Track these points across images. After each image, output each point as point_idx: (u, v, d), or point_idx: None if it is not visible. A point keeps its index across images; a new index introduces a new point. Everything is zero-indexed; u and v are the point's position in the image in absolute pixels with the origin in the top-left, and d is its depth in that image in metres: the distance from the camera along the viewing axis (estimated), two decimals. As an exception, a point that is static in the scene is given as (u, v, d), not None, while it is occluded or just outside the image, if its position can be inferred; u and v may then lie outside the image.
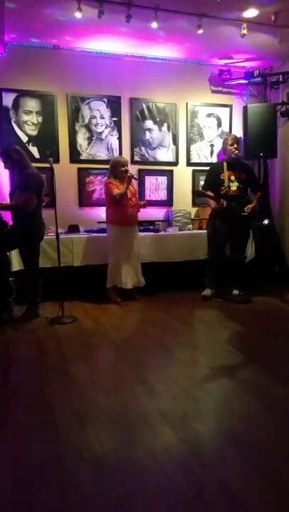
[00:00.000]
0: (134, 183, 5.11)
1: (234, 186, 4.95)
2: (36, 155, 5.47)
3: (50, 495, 1.76)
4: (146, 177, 6.03)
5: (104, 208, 5.16)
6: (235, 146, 4.98)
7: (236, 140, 5.05)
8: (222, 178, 4.98)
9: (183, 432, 2.22)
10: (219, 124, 6.36)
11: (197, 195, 5.25)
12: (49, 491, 1.78)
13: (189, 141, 6.24)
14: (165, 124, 6.07)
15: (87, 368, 3.13)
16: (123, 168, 4.86)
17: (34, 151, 5.49)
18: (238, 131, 6.19)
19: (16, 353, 3.60)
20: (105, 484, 1.82)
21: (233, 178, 4.96)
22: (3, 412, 2.49)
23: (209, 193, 5.03)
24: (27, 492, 1.79)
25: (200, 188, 5.69)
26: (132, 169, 5.65)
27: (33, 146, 5.49)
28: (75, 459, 2.00)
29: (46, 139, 5.53)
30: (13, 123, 5.39)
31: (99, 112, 5.74)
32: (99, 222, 5.47)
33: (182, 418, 2.36)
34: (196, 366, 3.16)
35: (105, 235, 5.07)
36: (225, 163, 5.05)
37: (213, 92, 6.27)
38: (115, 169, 4.90)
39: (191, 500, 1.72)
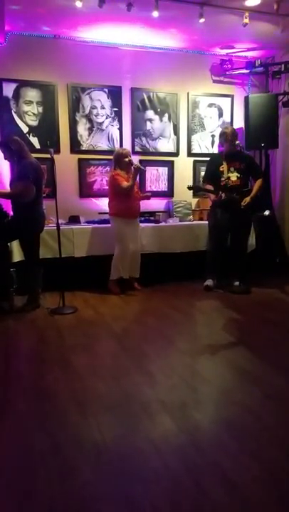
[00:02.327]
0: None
1: (234, 177, 4.93)
2: (37, 145, 5.47)
3: (50, 483, 1.78)
4: (147, 168, 6.01)
5: (103, 199, 5.16)
6: (237, 142, 4.98)
7: (235, 134, 4.98)
8: (221, 169, 4.97)
9: (182, 420, 2.24)
10: (220, 115, 6.34)
11: (194, 190, 5.23)
12: (49, 479, 1.80)
13: (190, 132, 6.22)
14: (166, 114, 6.04)
15: (87, 357, 3.15)
16: (126, 159, 4.87)
17: (35, 141, 5.48)
18: (239, 122, 6.17)
19: (16, 342, 3.63)
20: (105, 472, 1.84)
21: (232, 169, 4.95)
22: (4, 400, 2.52)
23: (208, 187, 5.03)
24: (27, 480, 1.81)
25: (201, 180, 5.69)
26: (133, 160, 5.64)
27: (33, 136, 5.48)
28: (75, 448, 2.02)
29: (47, 129, 5.52)
30: (13, 113, 5.37)
31: (100, 102, 5.71)
32: (100, 213, 5.47)
33: (181, 407, 2.38)
34: (195, 356, 3.18)
35: (106, 225, 5.07)
36: (223, 155, 5.03)
37: (214, 82, 6.25)
38: (119, 161, 4.89)
39: (189, 487, 1.74)
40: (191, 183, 5.80)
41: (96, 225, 5.29)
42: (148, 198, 5.11)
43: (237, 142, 4.97)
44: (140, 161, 5.84)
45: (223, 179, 4.94)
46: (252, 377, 2.77)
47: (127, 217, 4.90)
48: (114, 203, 4.95)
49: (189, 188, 5.10)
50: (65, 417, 2.31)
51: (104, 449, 2.00)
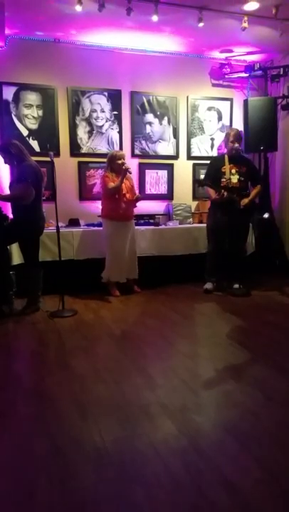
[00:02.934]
0: (132, 178, 5.10)
1: (235, 179, 4.95)
2: (37, 148, 5.48)
3: (51, 486, 1.77)
4: (147, 171, 6.04)
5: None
6: (237, 144, 4.99)
7: (237, 136, 5.02)
8: (223, 170, 4.99)
9: (182, 423, 2.24)
10: (220, 118, 6.36)
11: (199, 183, 5.25)
12: (50, 481, 1.80)
13: (190, 135, 6.23)
14: (166, 118, 6.06)
15: (87, 360, 3.15)
16: (120, 161, 4.86)
17: (34, 144, 5.49)
18: (238, 125, 6.18)
19: (16, 345, 3.63)
20: (105, 475, 1.84)
21: (234, 171, 4.97)
22: (4, 403, 2.52)
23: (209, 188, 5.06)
24: (28, 483, 1.81)
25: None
26: (133, 163, 5.68)
27: (33, 139, 5.49)
28: (76, 451, 2.02)
29: (47, 132, 5.53)
30: (13, 116, 5.38)
31: (99, 106, 5.73)
32: (99, 216, 5.47)
33: (182, 410, 2.38)
34: (195, 358, 3.18)
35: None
36: (226, 157, 5.05)
37: (213, 85, 6.26)
38: (112, 163, 4.90)
39: (190, 490, 1.74)
40: (190, 186, 5.84)
41: (96, 228, 5.29)
42: (138, 199, 5.06)
43: (236, 146, 4.97)
44: (139, 165, 5.88)
45: (224, 180, 4.96)
46: (252, 379, 2.77)
47: (118, 219, 4.89)
48: (104, 205, 4.98)
49: (197, 181, 5.08)
50: (66, 419, 2.31)
51: (105, 451, 2.00)
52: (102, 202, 5.02)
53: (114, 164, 4.88)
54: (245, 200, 4.90)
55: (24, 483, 1.81)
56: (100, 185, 5.07)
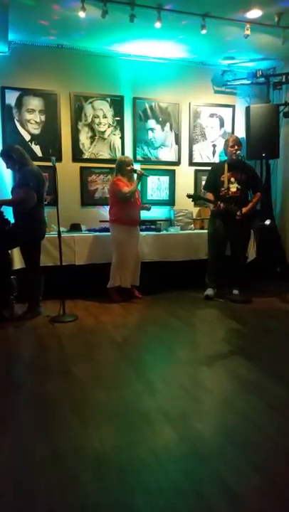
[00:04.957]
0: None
1: (234, 188, 4.94)
2: (39, 153, 5.49)
3: (51, 494, 1.76)
4: (149, 176, 6.04)
5: (105, 207, 5.17)
6: (236, 147, 4.97)
7: (237, 141, 5.03)
8: (222, 179, 4.98)
9: (183, 430, 2.22)
10: (222, 125, 6.38)
11: (193, 198, 5.21)
12: (49, 490, 1.78)
13: (192, 141, 6.25)
14: (168, 124, 6.08)
15: (87, 366, 3.14)
16: (129, 168, 4.88)
17: (37, 149, 5.50)
18: (240, 132, 6.20)
19: (16, 351, 3.62)
20: (105, 483, 1.82)
21: (233, 179, 4.96)
22: (4, 410, 2.50)
23: (209, 195, 5.05)
24: (27, 491, 1.79)
25: (201, 189, 5.70)
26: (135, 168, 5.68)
27: (35, 144, 5.50)
28: (76, 458, 2.01)
29: (49, 137, 5.55)
30: (15, 121, 5.40)
31: (102, 111, 5.75)
32: (101, 221, 5.48)
33: (182, 417, 2.36)
34: (196, 365, 3.17)
35: (107, 234, 5.07)
36: (226, 165, 5.04)
37: (216, 92, 6.29)
38: (121, 169, 4.90)
39: (190, 498, 1.72)
40: (191, 192, 5.78)
41: (97, 233, 5.29)
42: (148, 209, 5.13)
43: (238, 152, 4.97)
44: (142, 169, 5.88)
45: (223, 189, 4.95)
46: (253, 387, 2.76)
47: (128, 224, 4.89)
48: (114, 210, 4.94)
49: (189, 196, 5.04)
50: (66, 426, 2.29)
51: (105, 459, 1.98)
52: (112, 207, 4.98)
53: (123, 170, 4.89)
54: (243, 210, 4.89)
55: (24, 490, 1.79)
56: (111, 190, 5.01)
